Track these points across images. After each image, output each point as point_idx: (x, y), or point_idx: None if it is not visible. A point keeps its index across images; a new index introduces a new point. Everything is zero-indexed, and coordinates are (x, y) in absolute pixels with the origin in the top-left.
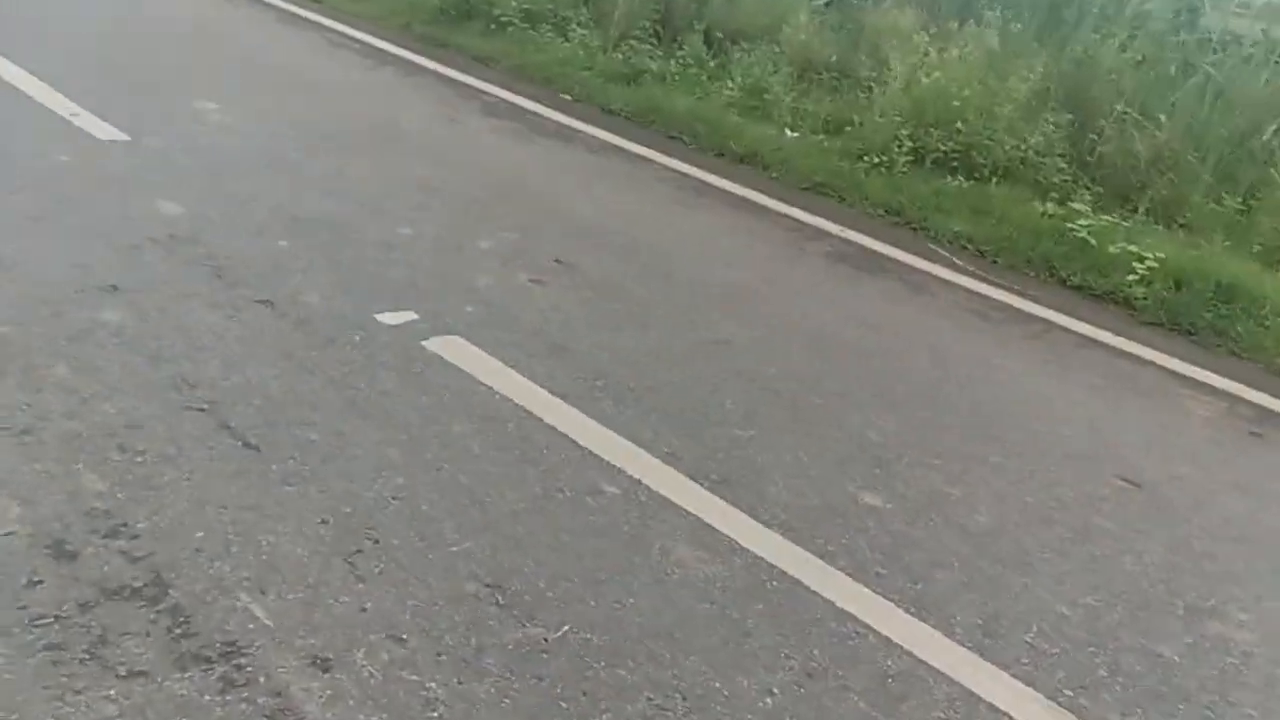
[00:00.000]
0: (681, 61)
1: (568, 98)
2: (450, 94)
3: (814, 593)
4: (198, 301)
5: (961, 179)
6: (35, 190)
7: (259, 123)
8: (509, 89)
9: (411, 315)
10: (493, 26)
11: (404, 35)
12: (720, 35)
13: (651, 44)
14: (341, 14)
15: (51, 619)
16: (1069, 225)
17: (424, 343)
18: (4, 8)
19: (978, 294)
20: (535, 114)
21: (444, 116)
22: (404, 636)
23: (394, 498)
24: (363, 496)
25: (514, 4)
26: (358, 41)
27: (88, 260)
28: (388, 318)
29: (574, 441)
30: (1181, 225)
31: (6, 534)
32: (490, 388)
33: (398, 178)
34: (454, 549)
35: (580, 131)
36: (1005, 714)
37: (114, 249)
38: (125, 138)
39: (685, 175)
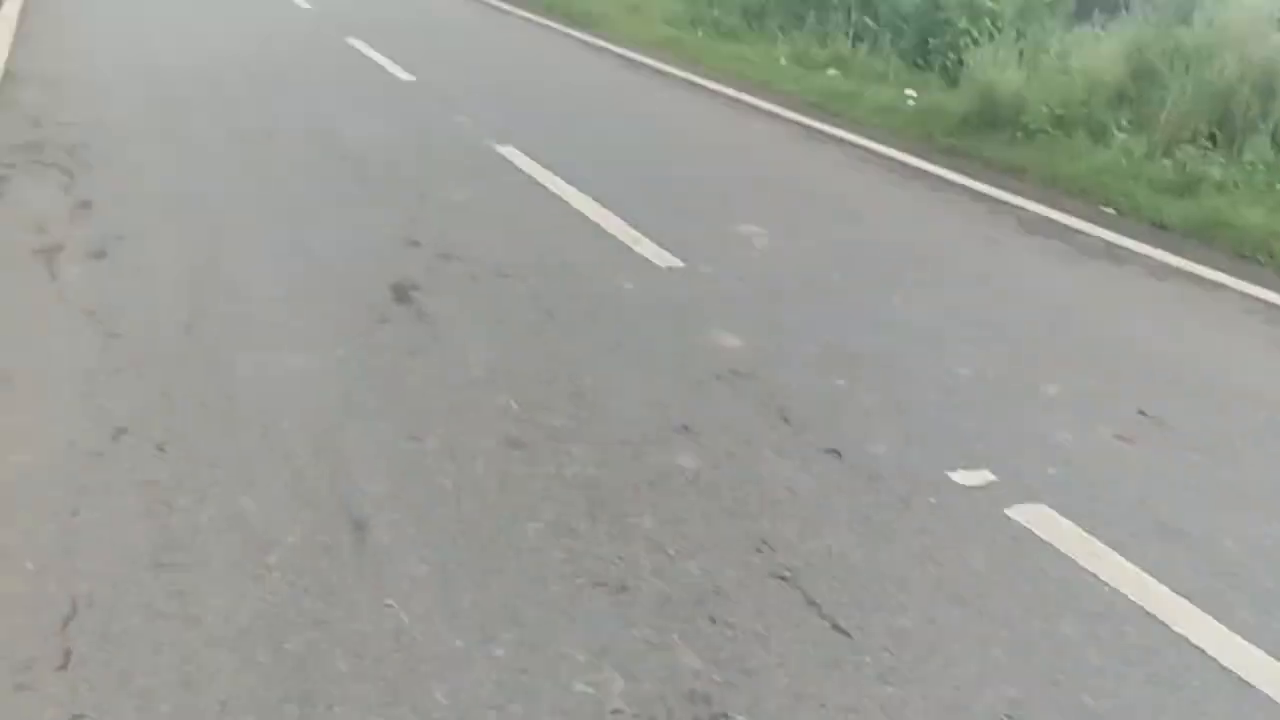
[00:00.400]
0: (1246, 167)
1: (1111, 211)
2: (981, 210)
3: None
4: (767, 448)
5: None
6: (608, 320)
7: (802, 246)
8: (1043, 202)
9: (988, 475)
10: (1020, 134)
11: (926, 147)
12: None
13: (1207, 148)
14: (862, 127)
15: None
16: None
17: (1007, 511)
18: (554, 138)
19: None
20: (1078, 231)
21: (979, 235)
22: None
23: (1007, 715)
24: (971, 710)
25: (1044, 110)
26: (881, 156)
27: (659, 397)
28: (962, 477)
29: (1215, 660)
30: None
31: (614, 712)
32: (1093, 575)
33: (944, 307)
34: None
35: (1133, 251)
36: None
37: (682, 384)
38: (680, 264)
39: (1273, 305)
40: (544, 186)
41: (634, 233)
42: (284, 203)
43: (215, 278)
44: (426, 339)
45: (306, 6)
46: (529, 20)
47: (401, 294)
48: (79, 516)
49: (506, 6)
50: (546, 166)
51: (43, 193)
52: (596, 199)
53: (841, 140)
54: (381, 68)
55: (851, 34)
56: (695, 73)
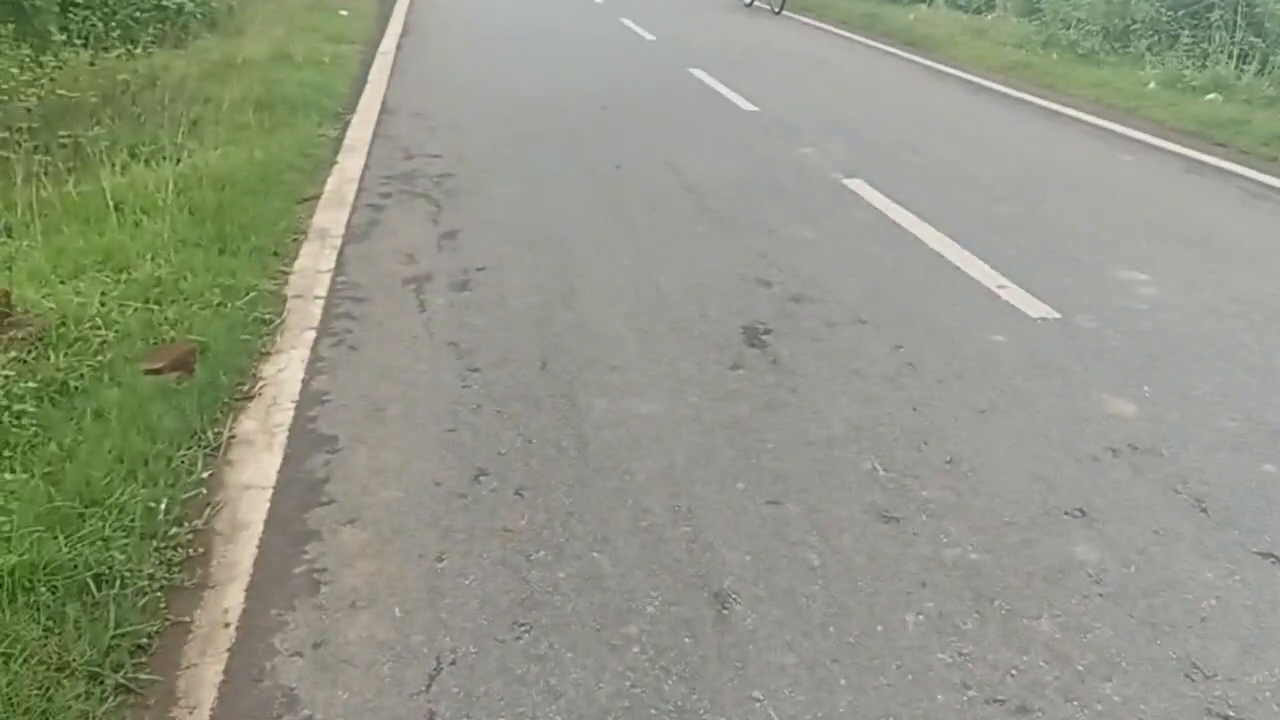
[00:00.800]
0: None
1: None
2: None
3: None
4: (1183, 544)
5: None
6: (976, 376)
7: (1198, 298)
8: None
9: None
10: None
11: None
12: None
13: None
14: (1252, 158)
15: None
16: None
17: None
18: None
19: None
20: None
21: None
22: None
23: None
24: None
25: None
26: (1279, 191)
27: (1045, 471)
28: None
29: None
30: None
31: None
32: None
33: None
34: None
35: None
36: None
37: (1070, 458)
38: (1055, 315)
39: None
40: (896, 223)
41: (998, 277)
42: (631, 236)
43: (567, 313)
44: (782, 389)
45: (651, 38)
46: (869, 46)
47: (753, 337)
48: (444, 563)
49: (845, 33)
50: (898, 201)
51: (413, 222)
52: (953, 237)
53: (1228, 173)
54: (724, 98)
55: (1236, 54)
56: (1049, 99)
